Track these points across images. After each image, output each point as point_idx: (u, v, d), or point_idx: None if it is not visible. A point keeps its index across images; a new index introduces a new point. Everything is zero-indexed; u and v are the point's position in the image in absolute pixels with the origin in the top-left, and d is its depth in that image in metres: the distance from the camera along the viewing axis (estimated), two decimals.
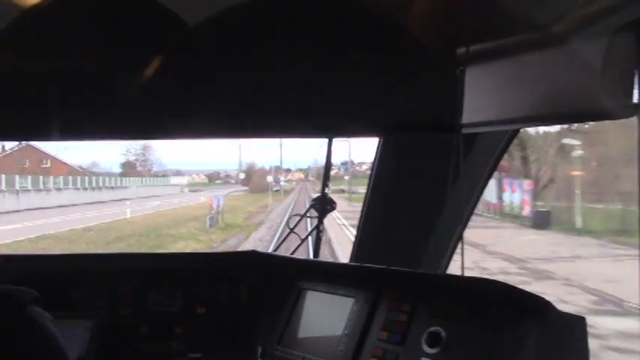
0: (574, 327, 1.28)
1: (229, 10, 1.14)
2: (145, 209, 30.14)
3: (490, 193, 21.05)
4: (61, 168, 36.46)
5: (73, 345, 1.74)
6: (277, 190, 45.53)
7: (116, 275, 1.96)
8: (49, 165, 36.53)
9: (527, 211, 19.48)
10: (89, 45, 1.17)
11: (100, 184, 38.52)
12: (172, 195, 43.39)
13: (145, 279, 1.96)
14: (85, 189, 35.84)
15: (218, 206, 25.97)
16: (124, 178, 43.33)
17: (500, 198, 21.28)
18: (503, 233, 18.57)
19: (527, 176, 20.84)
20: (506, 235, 18.31)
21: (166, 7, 1.10)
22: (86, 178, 36.77)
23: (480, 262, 12.32)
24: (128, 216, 25.75)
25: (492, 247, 15.22)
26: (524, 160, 20.77)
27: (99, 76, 1.29)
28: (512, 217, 20.10)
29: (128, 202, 29.28)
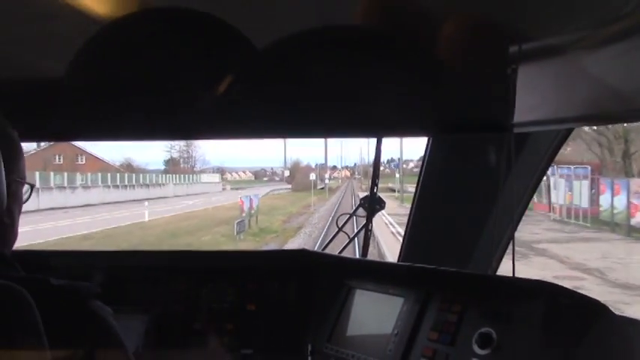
0: (631, 331, 1.25)
1: (287, 33, 1.16)
2: (173, 210, 27.46)
3: (580, 196, 18.61)
4: (97, 165, 35.13)
5: (129, 338, 1.80)
6: (322, 189, 43.54)
7: (170, 272, 2.01)
8: (84, 162, 35.58)
9: (638, 218, 15.15)
10: (157, 54, 1.21)
11: (134, 182, 36.18)
12: (210, 194, 40.48)
13: (198, 276, 2.01)
14: (117, 187, 33.60)
15: (250, 208, 23.07)
16: (160, 176, 41.37)
17: (594, 201, 17.87)
18: (612, 249, 13.74)
19: (627, 174, 17.76)
20: (619, 253, 13.23)
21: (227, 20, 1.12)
22: (117, 175, 34.98)
23: (622, 308, 7.63)
24: (146, 219, 23.07)
25: (617, 275, 10.69)
26: (626, 154, 17.96)
27: (161, 82, 1.33)
28: (612, 225, 16.30)
29: (146, 204, 26.23)
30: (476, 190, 2.05)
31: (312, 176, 41.07)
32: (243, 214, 21.73)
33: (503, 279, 1.54)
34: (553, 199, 20.89)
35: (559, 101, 1.39)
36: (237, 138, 1.82)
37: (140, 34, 1.11)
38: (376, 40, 1.28)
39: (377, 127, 1.78)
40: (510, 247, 1.75)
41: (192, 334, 1.94)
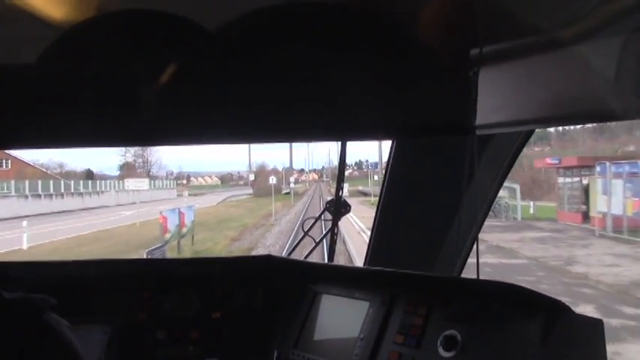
0: (591, 330, 1.26)
1: (243, 18, 1.14)
2: (89, 226, 21.03)
3: None
4: (26, 170, 30.05)
5: (91, 350, 1.76)
6: (287, 193, 39.87)
7: (133, 280, 1.97)
8: (9, 167, 31.03)
9: None
10: (107, 54, 1.18)
11: (62, 190, 30.28)
12: (161, 202, 32.83)
13: (162, 284, 1.97)
14: (39, 196, 27.83)
15: (181, 226, 16.97)
16: (99, 182, 34.89)
17: None
18: None
19: None
20: None
21: (183, 15, 1.10)
22: (39, 182, 29.52)
23: None
24: (24, 246, 17.70)
25: None
26: None
27: (116, 83, 1.30)
28: None
29: (25, 223, 19.14)
30: (440, 192, 2.06)
31: (273, 180, 35.06)
32: (167, 236, 16.00)
33: (468, 281, 1.55)
34: (600, 206, 16.16)
35: (521, 103, 1.40)
36: (197, 144, 1.79)
37: (93, 38, 1.08)
38: (338, 44, 1.27)
39: (340, 131, 1.78)
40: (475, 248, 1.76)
41: (156, 343, 1.90)
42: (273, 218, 25.64)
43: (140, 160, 43.85)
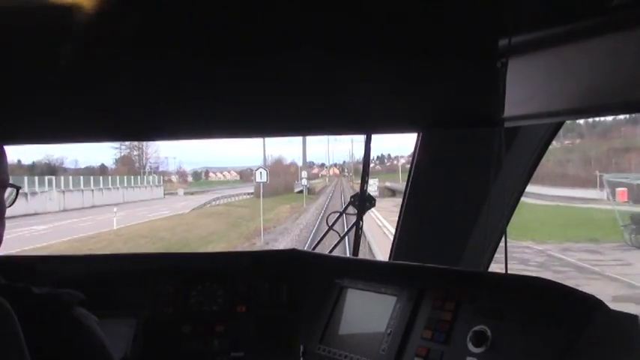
0: (626, 326, 1.23)
1: (261, 15, 1.13)
2: None
3: None
4: None
5: (117, 344, 1.77)
6: (300, 192, 33.20)
7: (158, 274, 1.98)
8: None
9: None
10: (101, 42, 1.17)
11: None
12: (127, 204, 25.70)
13: (187, 278, 1.98)
14: None
15: None
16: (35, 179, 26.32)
17: None
18: None
19: None
20: None
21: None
22: None
23: None
24: None
25: None
26: None
27: (117, 75, 1.29)
28: None
29: None
30: (466, 185, 2.04)
31: (260, 176, 23.38)
32: None
33: (497, 275, 1.53)
34: None
35: (550, 94, 1.38)
36: (224, 137, 1.79)
37: (88, 28, 1.07)
38: (363, 35, 1.26)
39: (365, 123, 1.76)
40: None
41: (181, 337, 1.91)
42: (262, 241, 16.24)
43: (135, 153, 38.62)
